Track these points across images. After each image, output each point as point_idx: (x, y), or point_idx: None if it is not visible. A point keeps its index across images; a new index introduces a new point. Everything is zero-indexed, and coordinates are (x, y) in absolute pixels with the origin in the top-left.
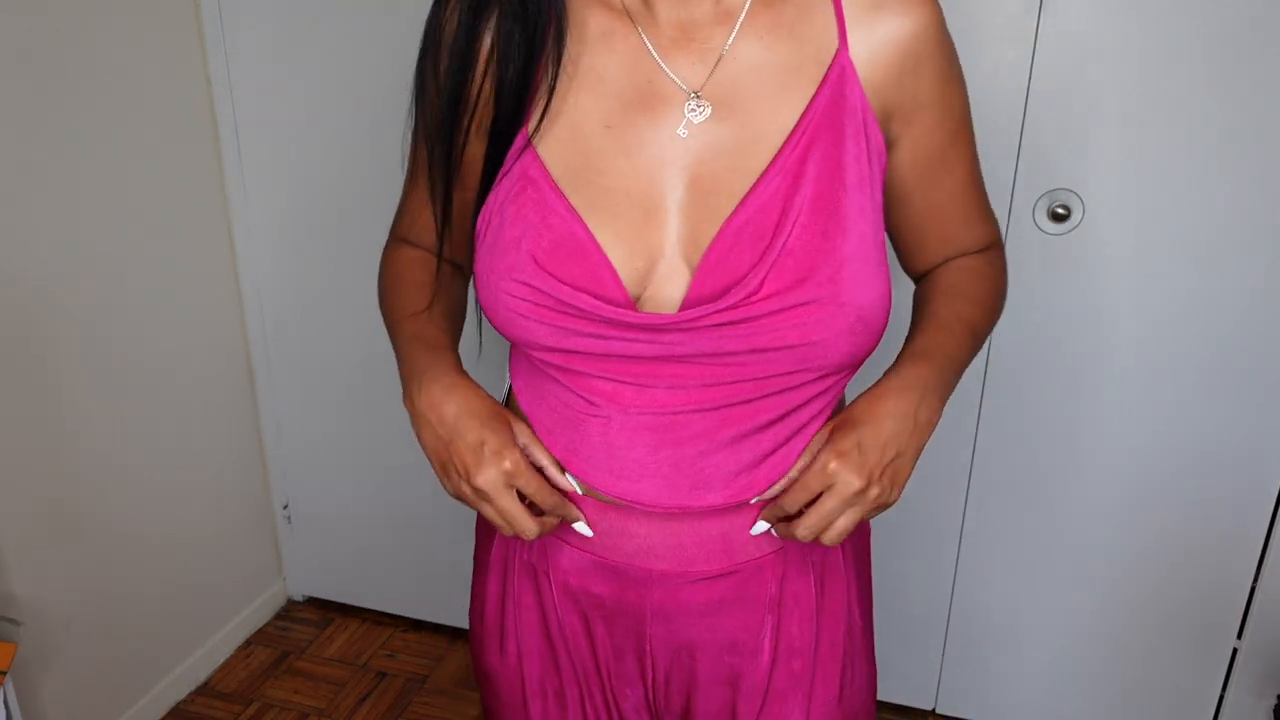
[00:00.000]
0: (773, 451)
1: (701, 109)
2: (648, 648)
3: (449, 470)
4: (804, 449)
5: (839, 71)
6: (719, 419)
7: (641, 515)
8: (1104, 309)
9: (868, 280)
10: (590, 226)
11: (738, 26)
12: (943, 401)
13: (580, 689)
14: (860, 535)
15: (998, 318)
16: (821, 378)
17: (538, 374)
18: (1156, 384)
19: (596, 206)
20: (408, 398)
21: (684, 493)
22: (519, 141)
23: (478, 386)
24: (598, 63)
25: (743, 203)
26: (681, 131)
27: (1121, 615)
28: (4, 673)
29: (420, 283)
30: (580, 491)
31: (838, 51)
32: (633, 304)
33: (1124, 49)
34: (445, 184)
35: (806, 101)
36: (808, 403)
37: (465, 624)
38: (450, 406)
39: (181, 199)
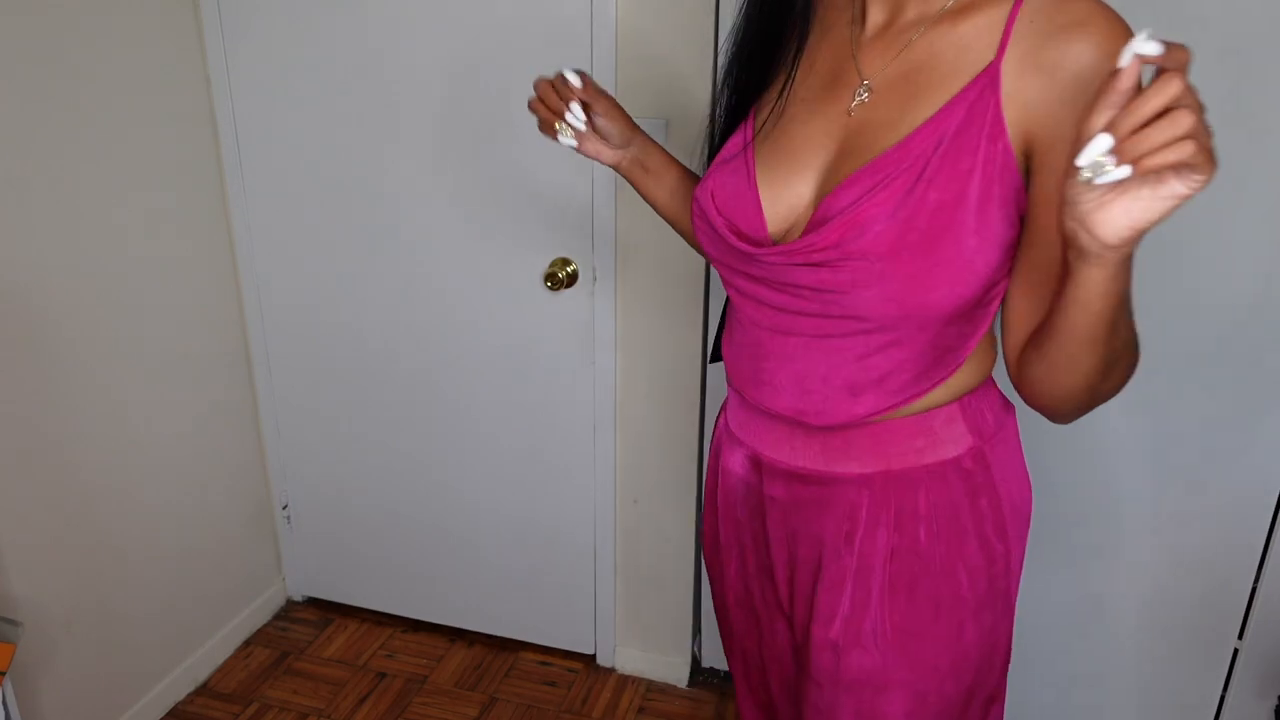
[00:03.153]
0: (858, 391)
1: (865, 93)
2: (767, 525)
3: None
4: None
5: (987, 79)
6: (816, 346)
7: (765, 415)
8: None
9: (924, 266)
10: (759, 175)
11: (922, 31)
12: (1127, 272)
13: (741, 541)
14: (976, 500)
15: (1125, 373)
16: (869, 332)
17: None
18: (1157, 385)
19: (768, 160)
20: None
21: (782, 399)
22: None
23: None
24: (815, 51)
25: (851, 177)
26: (851, 111)
27: (1122, 616)
28: (3, 673)
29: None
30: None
31: (991, 63)
32: (768, 239)
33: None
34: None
35: (946, 100)
36: (875, 353)
37: (465, 624)
38: None
39: (181, 198)
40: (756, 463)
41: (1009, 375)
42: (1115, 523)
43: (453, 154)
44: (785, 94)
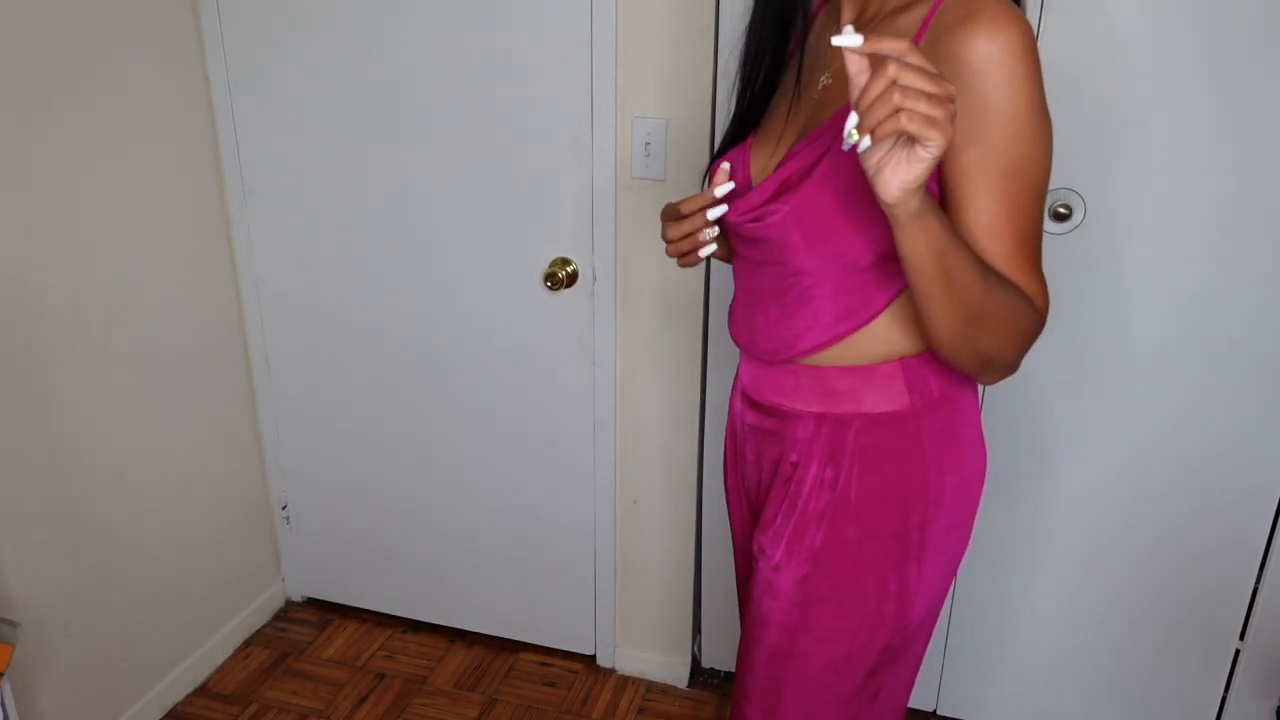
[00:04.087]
0: (797, 334)
1: (829, 79)
2: (742, 444)
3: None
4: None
5: None
6: (766, 291)
7: (748, 357)
8: (1105, 309)
9: (832, 215)
10: (752, 156)
11: (875, 26)
12: (923, 229)
13: (742, 474)
14: (872, 458)
15: (1001, 332)
16: (792, 275)
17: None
18: (1158, 385)
19: (764, 128)
20: None
21: (748, 336)
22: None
23: None
24: (812, 42)
25: (792, 149)
26: (818, 95)
27: (1123, 617)
28: (2, 674)
29: None
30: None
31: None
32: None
33: (1125, 49)
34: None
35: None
36: (808, 290)
37: (465, 624)
38: None
39: (180, 198)
40: (745, 397)
41: None
42: (1116, 523)
43: (452, 154)
44: (798, 89)
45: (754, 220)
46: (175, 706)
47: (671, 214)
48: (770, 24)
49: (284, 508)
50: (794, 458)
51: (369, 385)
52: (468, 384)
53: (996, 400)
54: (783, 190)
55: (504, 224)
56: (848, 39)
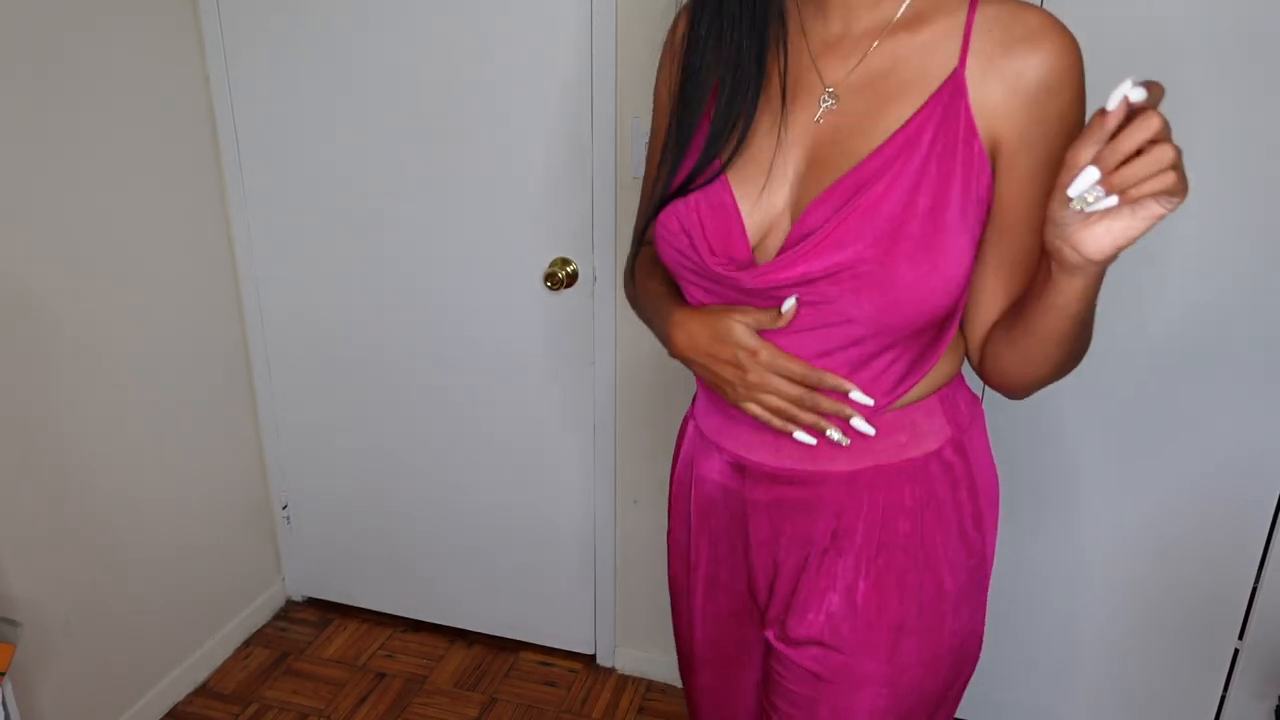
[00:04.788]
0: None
1: (831, 100)
2: (749, 529)
3: (721, 385)
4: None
5: (951, 88)
6: (805, 354)
7: (747, 419)
8: (1105, 313)
9: (916, 269)
10: (735, 193)
11: (880, 40)
12: (1099, 280)
13: (716, 552)
14: (936, 500)
15: (1082, 354)
16: (861, 340)
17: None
18: (1158, 386)
19: (741, 172)
20: (669, 341)
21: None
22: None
23: (696, 310)
24: (770, 62)
25: (833, 186)
26: (819, 119)
27: (1123, 616)
28: (3, 674)
29: (655, 271)
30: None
31: (955, 71)
32: (750, 257)
33: (1125, 49)
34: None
35: (914, 109)
36: (878, 353)
37: (465, 624)
38: (691, 330)
39: (181, 198)
40: (739, 467)
41: (969, 359)
42: (1115, 524)
43: (452, 153)
44: (774, 110)
45: (810, 280)
46: (176, 706)
47: (755, 350)
48: (740, 18)
49: (284, 507)
50: (835, 525)
51: (369, 385)
52: (468, 384)
53: (996, 404)
54: (839, 242)
55: (504, 224)
56: (1135, 91)
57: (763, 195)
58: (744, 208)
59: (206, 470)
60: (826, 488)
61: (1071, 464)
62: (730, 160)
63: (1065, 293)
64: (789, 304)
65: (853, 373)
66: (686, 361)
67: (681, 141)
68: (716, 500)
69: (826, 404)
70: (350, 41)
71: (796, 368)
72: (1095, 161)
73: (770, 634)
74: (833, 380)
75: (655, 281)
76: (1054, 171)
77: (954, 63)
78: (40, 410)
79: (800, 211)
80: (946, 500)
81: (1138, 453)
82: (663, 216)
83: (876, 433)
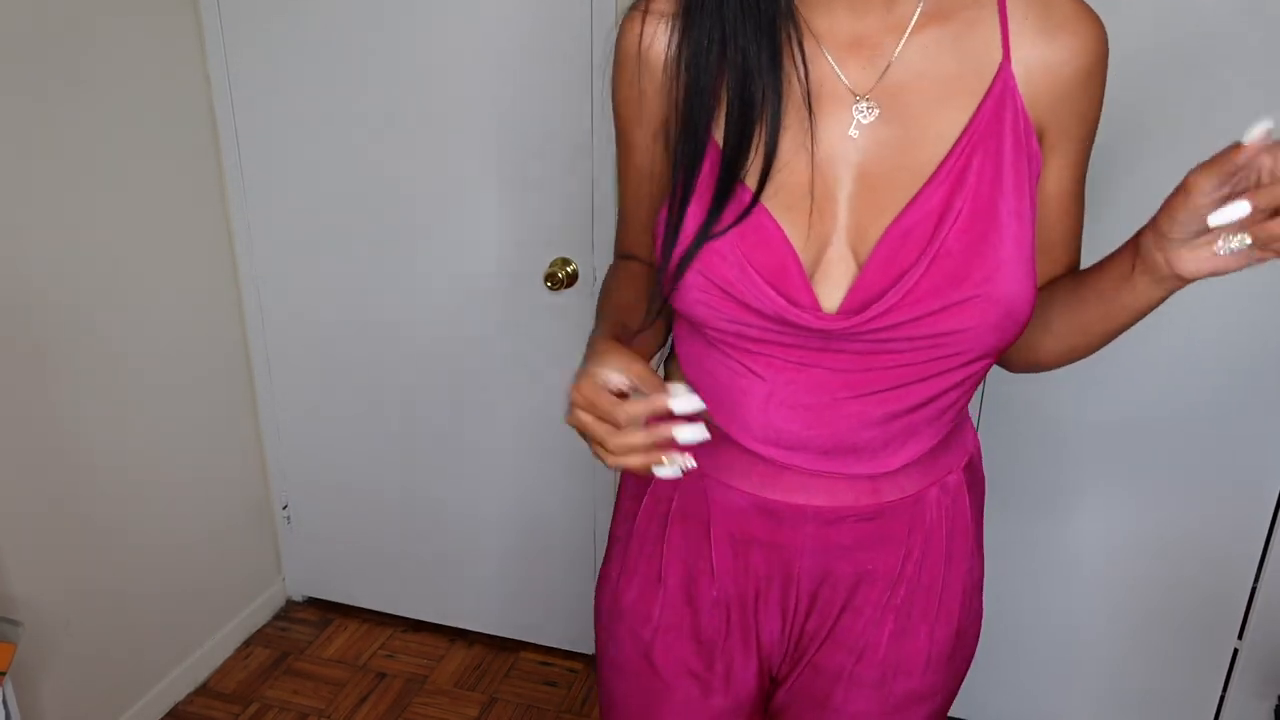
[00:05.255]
0: (912, 432)
1: (870, 111)
2: (795, 579)
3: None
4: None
5: (1002, 84)
6: (872, 402)
7: (794, 471)
8: None
9: (1020, 279)
10: (774, 216)
11: (906, 35)
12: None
13: (718, 631)
14: (979, 485)
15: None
16: (967, 364)
17: (702, 341)
18: (1157, 384)
19: (779, 199)
20: None
21: (834, 461)
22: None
23: (611, 339)
24: (785, 70)
25: (910, 205)
26: (853, 132)
27: (1122, 616)
28: (3, 673)
29: (625, 292)
30: (698, 409)
31: (1000, 64)
32: (814, 300)
33: (1124, 49)
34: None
35: (970, 111)
36: (954, 387)
37: (465, 624)
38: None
39: (181, 199)
40: (765, 509)
41: None
42: (1114, 523)
43: (452, 153)
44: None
45: (893, 324)
46: (176, 705)
47: (595, 391)
48: (744, 19)
49: (285, 507)
50: (902, 554)
51: (369, 385)
52: (468, 383)
53: (994, 401)
54: (940, 263)
55: (504, 223)
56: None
57: (814, 228)
58: (795, 240)
59: (207, 470)
60: (889, 520)
61: (1071, 464)
62: (763, 185)
63: (1141, 297)
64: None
65: (928, 400)
66: None
67: (690, 168)
68: (725, 548)
69: (643, 438)
70: (351, 42)
71: (631, 409)
72: (1250, 198)
73: (788, 669)
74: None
75: (607, 302)
76: (1086, 158)
77: (998, 55)
78: (40, 410)
79: (867, 241)
80: (979, 503)
81: (1137, 452)
82: (689, 273)
83: (947, 448)
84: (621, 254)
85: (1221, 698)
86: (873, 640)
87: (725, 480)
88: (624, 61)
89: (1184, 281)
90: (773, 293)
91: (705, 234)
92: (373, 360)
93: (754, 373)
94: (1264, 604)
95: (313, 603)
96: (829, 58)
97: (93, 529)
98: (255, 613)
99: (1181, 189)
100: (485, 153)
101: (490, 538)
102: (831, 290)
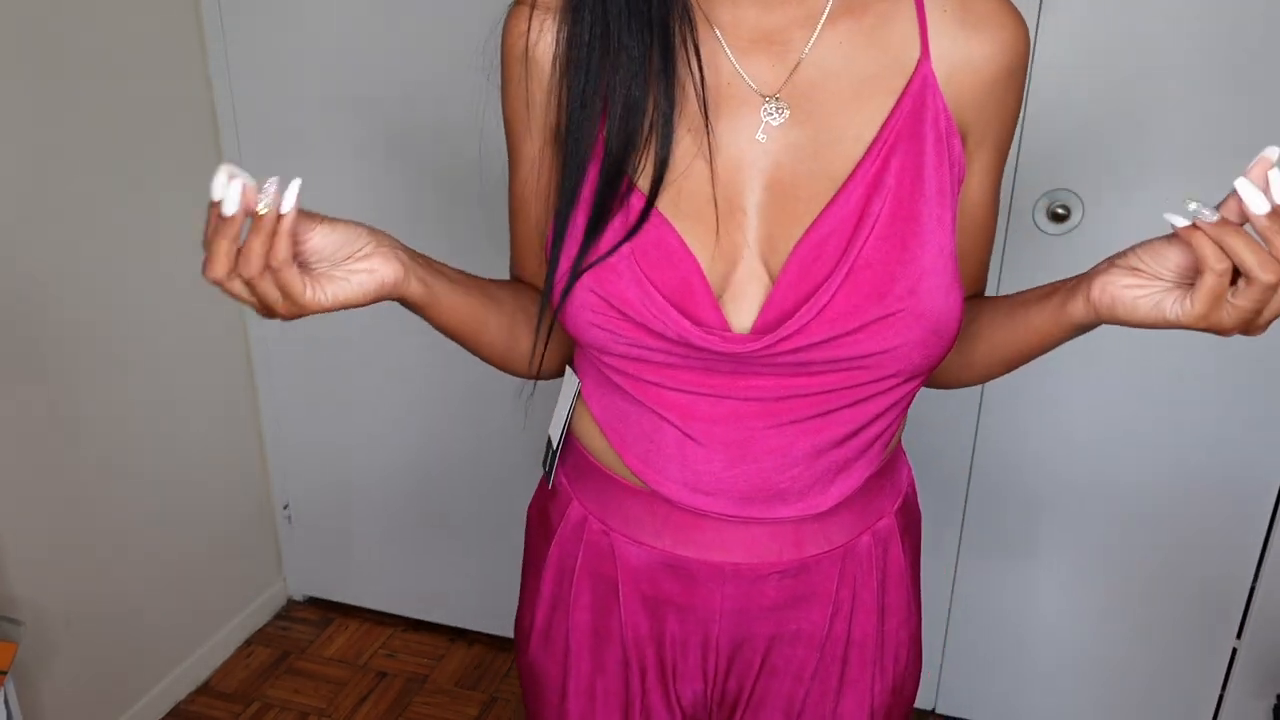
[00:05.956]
0: (842, 466)
1: (780, 112)
2: (713, 641)
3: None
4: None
5: (921, 81)
6: (796, 433)
7: (713, 519)
8: None
9: (946, 291)
10: (687, 242)
11: (817, 31)
12: None
13: (633, 689)
14: (915, 527)
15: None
16: (894, 387)
17: (605, 379)
18: (1156, 384)
19: (680, 210)
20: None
21: (759, 505)
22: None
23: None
24: (678, 68)
25: (824, 212)
26: (760, 136)
27: (1121, 616)
28: (4, 672)
29: (504, 290)
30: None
31: (919, 61)
32: (722, 320)
33: (1124, 48)
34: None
35: (887, 110)
36: (881, 414)
37: (465, 624)
38: None
39: (182, 199)
40: (680, 568)
41: None
42: (1114, 522)
43: (452, 152)
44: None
45: (810, 345)
46: (178, 705)
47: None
48: (630, 13)
49: (285, 507)
50: (830, 612)
51: (370, 384)
52: (468, 382)
53: (993, 400)
54: (838, 294)
55: (504, 223)
56: (1255, 200)
57: (720, 237)
58: (700, 255)
59: (208, 469)
60: (816, 575)
61: (1068, 463)
62: (655, 193)
63: (1060, 326)
64: None
65: (862, 426)
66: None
67: (576, 174)
68: (632, 606)
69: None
70: (352, 42)
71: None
72: (1223, 219)
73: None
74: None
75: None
76: (1003, 166)
77: (916, 51)
78: (41, 410)
79: (779, 254)
80: (919, 536)
81: (1135, 451)
82: (581, 290)
83: (879, 487)
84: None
85: (1220, 697)
86: (804, 702)
87: (635, 537)
88: (510, 63)
89: (1113, 322)
90: (675, 313)
91: (589, 243)
92: (374, 359)
93: (663, 407)
94: (1262, 604)
95: (313, 602)
96: (730, 55)
97: (94, 528)
98: (256, 612)
99: (1177, 237)
100: (486, 152)
101: (491, 538)
102: (743, 309)
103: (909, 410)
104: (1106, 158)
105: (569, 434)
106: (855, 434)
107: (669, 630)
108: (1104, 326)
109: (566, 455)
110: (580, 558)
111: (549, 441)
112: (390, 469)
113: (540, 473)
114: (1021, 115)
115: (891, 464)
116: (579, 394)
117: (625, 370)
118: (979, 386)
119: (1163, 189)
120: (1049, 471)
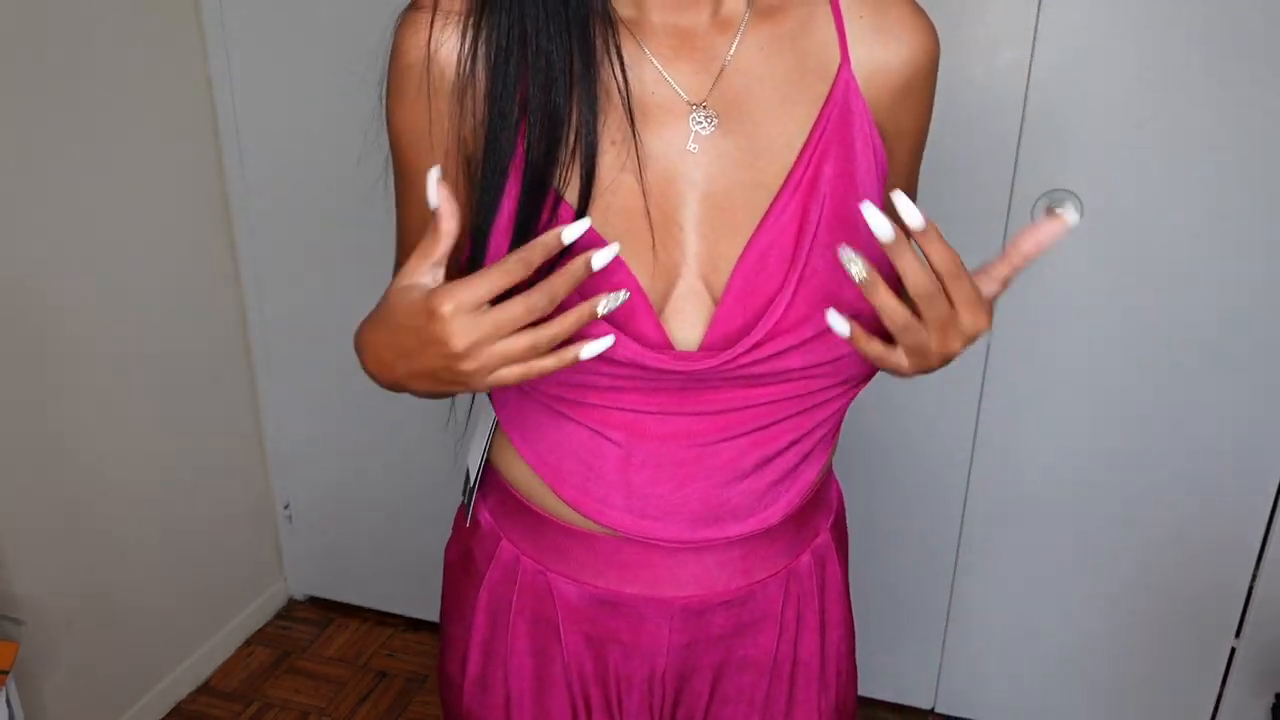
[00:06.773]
0: (787, 474)
1: (709, 121)
2: (659, 675)
3: (423, 379)
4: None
5: (844, 86)
6: (744, 445)
7: (661, 549)
8: (1102, 309)
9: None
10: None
11: (739, 35)
12: None
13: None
14: (846, 541)
15: None
16: (844, 393)
17: (534, 404)
18: (1155, 384)
19: (612, 226)
20: (372, 374)
21: (710, 526)
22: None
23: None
24: (600, 75)
25: (763, 223)
26: (692, 146)
27: (1120, 615)
28: (6, 672)
29: None
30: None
31: (840, 66)
32: (666, 340)
33: (1123, 48)
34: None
35: (814, 115)
36: (826, 419)
37: None
38: (373, 340)
39: (181, 199)
40: (624, 606)
41: None
42: (1112, 522)
43: None
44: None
45: (763, 358)
46: (178, 704)
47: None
48: (548, 19)
49: (286, 506)
50: (776, 636)
51: (371, 384)
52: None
53: (992, 400)
54: (788, 307)
55: None
56: (881, 227)
57: (657, 254)
58: (639, 273)
59: (208, 469)
60: (760, 601)
61: (1067, 462)
62: (584, 208)
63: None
64: (620, 295)
65: (803, 436)
66: (401, 387)
67: (490, 196)
68: (575, 653)
69: (574, 316)
70: (352, 44)
71: (515, 310)
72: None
73: None
74: (566, 279)
75: None
76: (918, 170)
77: (836, 56)
78: (41, 410)
79: (721, 270)
80: (846, 548)
81: (1134, 450)
82: None
83: (814, 504)
84: None
85: (1219, 696)
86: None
87: (575, 576)
88: (403, 73)
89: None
90: (622, 335)
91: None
92: None
93: (608, 428)
94: (1261, 602)
95: (314, 602)
96: (655, 61)
97: (94, 528)
98: (256, 612)
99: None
100: None
101: None
102: (686, 328)
103: (905, 412)
104: (1105, 157)
105: (489, 468)
106: (801, 439)
107: (612, 666)
108: (1112, 323)
109: (488, 491)
110: (515, 601)
111: (466, 475)
112: (390, 469)
113: (454, 511)
114: (1021, 115)
115: (825, 481)
116: (496, 425)
117: (564, 396)
118: (979, 386)
119: (1160, 187)
120: (1049, 471)
